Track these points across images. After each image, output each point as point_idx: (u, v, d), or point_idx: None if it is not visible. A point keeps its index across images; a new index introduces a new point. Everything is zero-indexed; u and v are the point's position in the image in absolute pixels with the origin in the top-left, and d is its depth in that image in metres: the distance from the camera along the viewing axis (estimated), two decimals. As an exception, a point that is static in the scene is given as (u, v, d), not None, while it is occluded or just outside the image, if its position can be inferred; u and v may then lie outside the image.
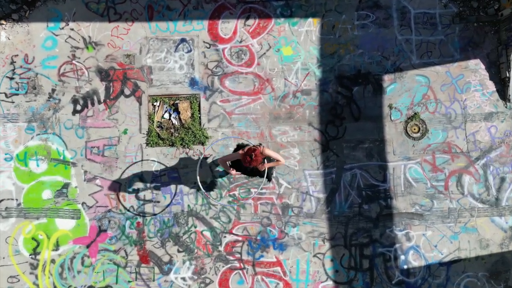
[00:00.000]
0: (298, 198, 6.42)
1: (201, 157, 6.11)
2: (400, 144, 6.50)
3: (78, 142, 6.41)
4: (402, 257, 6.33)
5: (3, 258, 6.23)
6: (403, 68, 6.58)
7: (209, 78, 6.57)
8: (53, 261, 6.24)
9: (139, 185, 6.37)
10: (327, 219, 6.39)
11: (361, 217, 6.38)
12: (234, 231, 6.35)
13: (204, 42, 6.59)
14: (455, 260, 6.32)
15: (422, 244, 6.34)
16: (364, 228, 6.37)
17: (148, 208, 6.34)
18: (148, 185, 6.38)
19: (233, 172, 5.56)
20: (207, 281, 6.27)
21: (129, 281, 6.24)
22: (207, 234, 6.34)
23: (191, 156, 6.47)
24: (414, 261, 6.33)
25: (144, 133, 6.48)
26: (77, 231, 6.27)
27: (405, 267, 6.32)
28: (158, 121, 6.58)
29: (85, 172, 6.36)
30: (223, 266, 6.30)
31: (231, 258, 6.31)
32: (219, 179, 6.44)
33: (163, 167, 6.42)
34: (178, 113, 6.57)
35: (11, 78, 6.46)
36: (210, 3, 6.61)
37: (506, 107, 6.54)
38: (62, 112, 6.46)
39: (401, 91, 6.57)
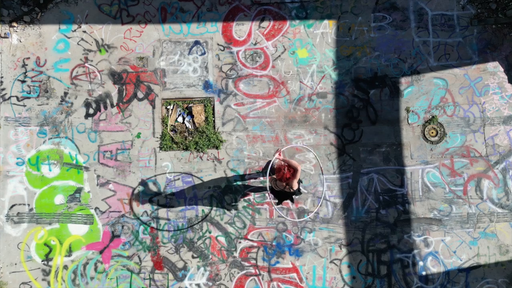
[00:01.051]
0: (314, 203, 6.31)
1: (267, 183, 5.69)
2: (417, 148, 6.39)
3: (90, 146, 6.32)
4: (421, 263, 6.21)
5: (15, 264, 6.13)
6: (421, 71, 6.47)
7: (223, 81, 6.46)
8: (65, 267, 6.14)
9: (152, 189, 6.27)
10: (344, 225, 6.27)
11: (378, 223, 6.26)
12: (249, 237, 6.24)
13: (218, 44, 6.49)
14: (474, 266, 6.20)
15: (440, 250, 6.22)
16: (382, 233, 6.25)
17: (162, 213, 6.24)
18: (161, 189, 6.27)
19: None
20: (222, 287, 6.16)
21: (142, 288, 6.15)
22: (222, 239, 6.24)
23: (205, 160, 6.36)
24: (432, 267, 6.21)
25: (157, 137, 6.38)
26: (90, 237, 6.17)
27: (424, 273, 6.20)
28: (171, 125, 6.48)
29: (98, 176, 6.26)
30: (238, 272, 6.19)
31: (247, 264, 6.20)
32: (234, 184, 6.33)
33: (177, 171, 6.32)
34: (192, 116, 6.47)
35: (23, 81, 6.37)
36: (224, 5, 6.51)
37: (525, 110, 6.43)
38: (74, 116, 6.37)
39: (418, 94, 6.45)
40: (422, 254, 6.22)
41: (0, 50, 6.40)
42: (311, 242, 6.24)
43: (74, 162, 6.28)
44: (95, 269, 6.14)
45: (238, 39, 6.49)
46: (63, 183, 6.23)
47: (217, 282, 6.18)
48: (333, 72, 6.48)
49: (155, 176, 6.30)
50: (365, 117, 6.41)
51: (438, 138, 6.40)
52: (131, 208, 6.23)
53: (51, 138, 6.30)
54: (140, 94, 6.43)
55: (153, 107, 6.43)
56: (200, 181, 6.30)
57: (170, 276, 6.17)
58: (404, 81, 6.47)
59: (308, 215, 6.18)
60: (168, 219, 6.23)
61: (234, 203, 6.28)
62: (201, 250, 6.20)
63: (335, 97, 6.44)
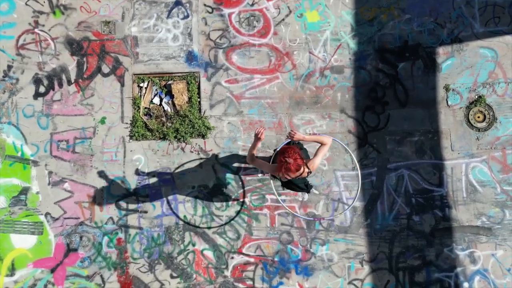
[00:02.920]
0: (328, 207, 4.93)
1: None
2: (460, 136, 5.02)
3: (41, 134, 4.96)
4: (466, 284, 4.89)
5: None
6: (463, 39, 5.15)
7: (211, 52, 5.09)
8: (7, 290, 4.79)
9: (120, 189, 4.91)
10: (366, 235, 4.92)
11: (410, 232, 4.92)
12: (244, 251, 4.89)
13: (205, 5, 5.13)
14: (533, 288, 4.85)
15: (491, 267, 4.92)
16: (415, 246, 4.89)
17: (132, 220, 4.89)
18: (132, 190, 4.90)
19: None
20: (209, 316, 4.81)
21: (107, 316, 4.79)
22: (209, 254, 4.87)
23: (188, 152, 4.99)
24: (481, 290, 4.87)
25: (127, 123, 5.02)
26: (39, 251, 4.83)
27: (470, 298, 4.86)
28: (145, 107, 5.10)
29: (50, 173, 4.92)
30: (230, 297, 4.83)
31: (241, 286, 4.85)
32: (225, 182, 4.95)
33: (152, 166, 4.93)
34: (172, 97, 5.09)
35: (-45, 52, 5.01)
36: (213, -46, 5.13)
37: None
38: (20, 96, 5.01)
39: (460, 68, 5.10)
40: (468, 273, 4.90)
41: None
42: (324, 258, 4.88)
43: (19, 154, 4.93)
44: (45, 293, 4.78)
45: (230, -3, 5.12)
46: (4, 181, 4.90)
47: (203, 309, 4.82)
48: (351, 41, 5.11)
49: (123, 172, 4.92)
50: (392, 98, 5.08)
51: (487, 124, 5.05)
52: (93, 214, 4.86)
53: (-11, 124, 4.95)
54: (106, 68, 5.07)
55: (122, 85, 5.07)
56: (181, 179, 4.91)
57: (143, 301, 4.81)
58: (442, 51, 5.12)
59: (318, 219, 4.81)
60: (140, 228, 4.88)
61: (225, 208, 4.90)
62: (182, 268, 4.85)
63: (354, 72, 5.08)
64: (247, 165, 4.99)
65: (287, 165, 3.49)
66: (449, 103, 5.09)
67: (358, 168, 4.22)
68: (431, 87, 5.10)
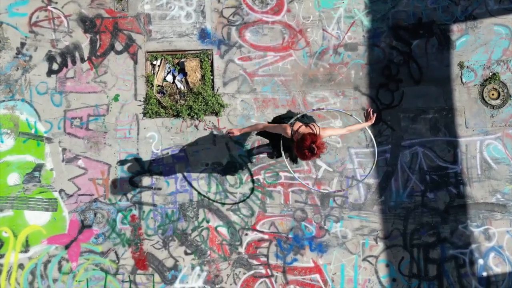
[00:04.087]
0: (342, 184, 4.91)
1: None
2: (474, 114, 5.00)
3: (54, 112, 4.93)
4: (480, 261, 4.85)
5: (-44, 262, 4.77)
6: (477, 16, 5.10)
7: (224, 29, 5.06)
8: (21, 266, 4.77)
9: (134, 167, 4.89)
10: (380, 212, 4.89)
11: (425, 209, 4.88)
12: (258, 227, 4.87)
13: (218, -18, 5.09)
14: (548, 266, 4.83)
15: (506, 244, 4.89)
16: (430, 223, 4.87)
17: (146, 197, 4.86)
18: (146, 167, 4.88)
19: None
20: (224, 292, 4.80)
21: (121, 293, 4.78)
22: (223, 231, 4.85)
23: (201, 129, 4.96)
24: (496, 266, 4.86)
25: (140, 100, 4.99)
26: (53, 227, 4.81)
27: (485, 274, 4.84)
28: (158, 85, 5.08)
29: (64, 150, 4.89)
30: (244, 273, 4.82)
31: (255, 262, 4.82)
32: (239, 160, 4.93)
33: (165, 143, 4.91)
34: (185, 74, 5.07)
35: (-32, 29, 4.99)
36: None
37: None
38: (34, 73, 4.98)
39: (475, 46, 5.06)
40: (482, 250, 4.87)
41: None
42: (339, 235, 4.86)
43: (32, 131, 4.90)
44: (59, 269, 4.78)
45: (243, -25, 5.09)
46: (18, 158, 4.86)
47: (217, 286, 4.80)
48: (365, 18, 5.09)
49: (137, 149, 4.90)
50: (406, 75, 5.04)
51: (501, 101, 5.02)
52: (106, 190, 4.85)
53: (3, 101, 4.95)
54: (119, 46, 5.04)
55: (135, 62, 5.04)
56: (195, 157, 4.89)
57: (157, 277, 4.79)
58: (456, 28, 5.08)
59: (337, 192, 4.79)
60: (154, 205, 4.86)
61: (238, 185, 4.88)
62: (196, 245, 4.82)
63: (368, 49, 5.05)
64: (260, 143, 4.98)
65: (317, 151, 3.40)
66: (464, 80, 5.06)
67: (375, 144, 4.18)
68: (445, 64, 5.07)
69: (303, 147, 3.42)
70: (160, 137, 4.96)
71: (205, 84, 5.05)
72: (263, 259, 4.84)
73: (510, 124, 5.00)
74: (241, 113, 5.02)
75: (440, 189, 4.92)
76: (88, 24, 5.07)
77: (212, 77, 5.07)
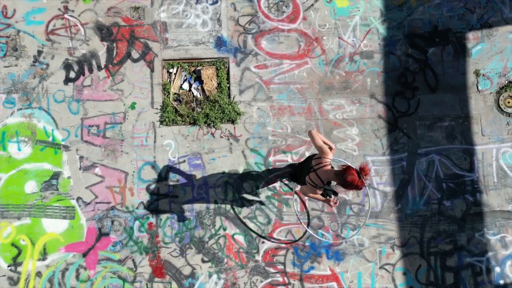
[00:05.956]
0: (359, 192, 4.92)
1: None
2: (490, 121, 5.00)
3: (71, 120, 4.94)
4: (497, 269, 4.84)
5: (-26, 270, 4.78)
6: (493, 24, 5.11)
7: (240, 37, 5.07)
8: (39, 274, 4.77)
9: (151, 174, 4.89)
10: (396, 220, 4.89)
11: (441, 217, 4.88)
12: (275, 235, 4.87)
13: (234, -10, 5.10)
14: None
15: (522, 252, 4.86)
16: (446, 231, 4.87)
17: (163, 205, 4.87)
18: (162, 175, 4.89)
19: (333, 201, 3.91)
20: (241, 300, 4.80)
21: (138, 300, 4.78)
22: (240, 238, 4.86)
23: (218, 137, 4.97)
24: (513, 274, 4.84)
25: (157, 108, 5.00)
26: (71, 235, 4.81)
27: (501, 282, 4.83)
28: (175, 93, 5.09)
29: (81, 158, 4.89)
30: (261, 281, 4.82)
31: (272, 270, 4.83)
32: (255, 167, 4.94)
33: (182, 151, 4.93)
34: (201, 82, 5.08)
35: (-15, 37, 5.00)
36: None
37: None
38: (51, 81, 4.99)
39: (490, 53, 5.06)
40: (499, 258, 4.85)
41: (-44, -3, 5.02)
42: (355, 242, 4.86)
43: (50, 139, 4.91)
44: (77, 277, 4.77)
45: (259, -17, 5.10)
46: (36, 166, 4.86)
47: (234, 294, 4.81)
48: (381, 26, 5.09)
49: (154, 157, 4.91)
50: (422, 83, 5.04)
51: (517, 109, 5.01)
52: (124, 198, 4.85)
53: (20, 109, 4.94)
54: (135, 54, 5.05)
55: (152, 70, 5.04)
56: (211, 164, 4.90)
57: (174, 285, 4.80)
58: (472, 36, 5.08)
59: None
60: (171, 213, 4.86)
61: (255, 193, 4.89)
62: (213, 253, 4.83)
63: (383, 57, 5.05)
64: (276, 151, 4.98)
65: (361, 182, 3.28)
66: (479, 88, 5.06)
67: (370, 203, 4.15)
68: (461, 72, 5.08)
69: (351, 179, 3.28)
70: (177, 145, 4.97)
71: (221, 92, 5.06)
72: (280, 267, 4.85)
73: (526, 132, 5.00)
74: (257, 121, 5.03)
75: (456, 197, 4.92)
76: (104, 32, 5.08)
77: (228, 85, 5.08)
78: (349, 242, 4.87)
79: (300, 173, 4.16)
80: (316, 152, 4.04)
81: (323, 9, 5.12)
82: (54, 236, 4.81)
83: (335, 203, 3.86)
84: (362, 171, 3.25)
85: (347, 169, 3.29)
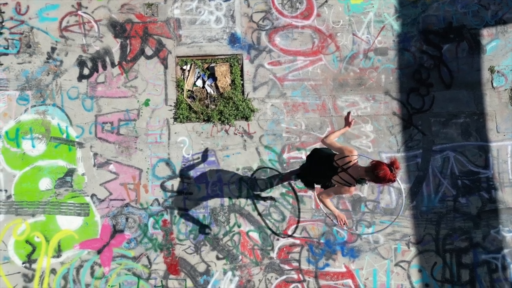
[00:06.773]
0: (373, 189, 4.90)
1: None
2: (505, 118, 4.98)
3: (85, 116, 4.92)
4: (513, 266, 4.83)
5: (-11, 267, 4.77)
6: (508, 20, 5.09)
7: (254, 34, 5.06)
8: (53, 271, 4.76)
9: (165, 171, 4.87)
10: (412, 217, 4.88)
11: (457, 214, 4.86)
12: (289, 232, 4.85)
13: (247, -13, 5.09)
14: None
15: (538, 249, 4.84)
16: (462, 228, 4.85)
17: (178, 202, 4.86)
18: (177, 172, 4.87)
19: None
20: (256, 297, 4.79)
21: (153, 298, 4.77)
22: (255, 235, 4.84)
23: (232, 134, 4.96)
24: (528, 271, 4.82)
25: (171, 105, 4.98)
26: (85, 232, 4.79)
27: (517, 279, 4.81)
28: (189, 90, 5.08)
29: (95, 155, 4.88)
30: (276, 278, 4.80)
31: (287, 267, 4.81)
32: (269, 164, 4.93)
33: (196, 148, 4.92)
34: (215, 79, 5.07)
35: (-1, 34, 4.99)
36: None
37: None
38: (64, 78, 4.98)
39: (505, 50, 5.05)
40: (515, 255, 4.83)
41: (-30, -6, 5.01)
42: (370, 240, 4.85)
43: (64, 136, 4.90)
44: (92, 274, 4.76)
45: (273, -21, 5.09)
46: (50, 163, 4.85)
47: (249, 291, 4.80)
48: (395, 22, 5.07)
49: (168, 154, 4.90)
50: (437, 80, 5.02)
51: (532, 105, 5.00)
52: (138, 195, 4.83)
53: (34, 106, 4.92)
54: (149, 51, 5.03)
55: (165, 67, 5.03)
56: (225, 161, 4.89)
57: (189, 282, 4.78)
58: (486, 33, 5.06)
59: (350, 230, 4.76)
60: (186, 210, 4.85)
61: (269, 190, 4.88)
62: (228, 250, 4.81)
63: (398, 54, 5.03)
64: (290, 148, 4.97)
65: (393, 175, 3.23)
66: (494, 85, 5.05)
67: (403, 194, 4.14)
68: (476, 68, 5.06)
69: (382, 172, 3.23)
70: (191, 141, 4.96)
71: (235, 89, 5.05)
72: (295, 264, 4.83)
73: (541, 128, 4.99)
74: (271, 118, 5.01)
75: (472, 194, 4.91)
76: (118, 29, 5.07)
77: (242, 82, 5.06)
78: (364, 239, 4.86)
79: (318, 175, 4.03)
80: (318, 149, 4.08)
81: (337, 6, 5.11)
82: (69, 233, 4.80)
83: (345, 223, 3.86)
84: (393, 165, 3.22)
85: (377, 164, 3.26)
